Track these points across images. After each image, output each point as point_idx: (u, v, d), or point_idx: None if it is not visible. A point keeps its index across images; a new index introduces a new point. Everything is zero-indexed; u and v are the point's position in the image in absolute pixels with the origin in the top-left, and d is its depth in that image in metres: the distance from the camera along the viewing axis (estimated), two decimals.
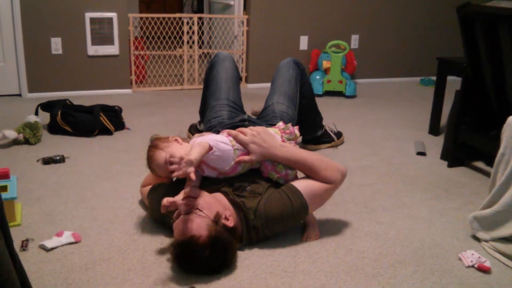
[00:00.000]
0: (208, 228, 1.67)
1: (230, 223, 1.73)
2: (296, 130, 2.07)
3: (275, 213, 1.84)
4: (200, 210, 1.73)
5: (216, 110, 2.49)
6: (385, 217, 2.16)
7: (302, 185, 1.90)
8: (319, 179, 1.92)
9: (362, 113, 3.88)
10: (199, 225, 1.68)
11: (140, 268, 1.72)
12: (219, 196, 1.87)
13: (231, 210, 1.82)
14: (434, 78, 3.65)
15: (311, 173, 1.94)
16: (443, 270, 1.77)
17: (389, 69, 5.17)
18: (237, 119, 2.37)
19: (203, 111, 2.79)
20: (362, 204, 2.27)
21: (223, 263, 1.70)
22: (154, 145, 1.89)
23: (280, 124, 2.11)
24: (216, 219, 1.70)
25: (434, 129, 3.36)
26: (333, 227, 2.05)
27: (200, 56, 4.63)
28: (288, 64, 2.68)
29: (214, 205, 1.77)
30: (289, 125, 2.07)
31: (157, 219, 2.00)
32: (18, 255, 1.20)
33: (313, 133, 2.96)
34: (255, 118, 2.45)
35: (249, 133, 1.94)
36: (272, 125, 2.37)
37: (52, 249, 1.81)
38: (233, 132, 1.97)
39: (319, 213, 2.10)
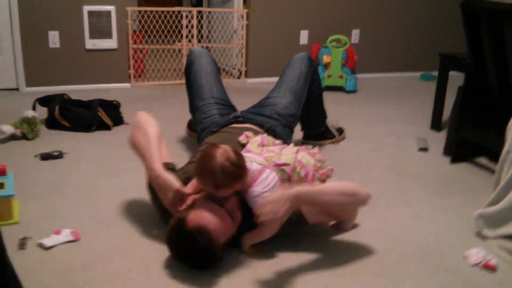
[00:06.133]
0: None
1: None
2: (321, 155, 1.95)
3: None
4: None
5: (205, 110, 2.46)
6: (388, 214, 2.14)
7: None
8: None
9: (362, 109, 3.85)
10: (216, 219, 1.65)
11: (141, 267, 1.69)
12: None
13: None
14: (434, 73, 3.62)
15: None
16: (448, 269, 1.75)
17: (390, 64, 5.14)
18: (230, 117, 2.34)
19: (192, 110, 2.73)
20: None
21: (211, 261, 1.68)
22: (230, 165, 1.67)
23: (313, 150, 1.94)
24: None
25: (436, 125, 3.33)
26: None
27: None
28: (302, 59, 2.62)
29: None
30: (315, 149, 1.95)
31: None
32: (12, 258, 1.16)
33: (316, 129, 2.93)
34: (249, 108, 2.41)
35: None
36: (263, 115, 2.35)
37: (50, 247, 1.78)
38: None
39: None
